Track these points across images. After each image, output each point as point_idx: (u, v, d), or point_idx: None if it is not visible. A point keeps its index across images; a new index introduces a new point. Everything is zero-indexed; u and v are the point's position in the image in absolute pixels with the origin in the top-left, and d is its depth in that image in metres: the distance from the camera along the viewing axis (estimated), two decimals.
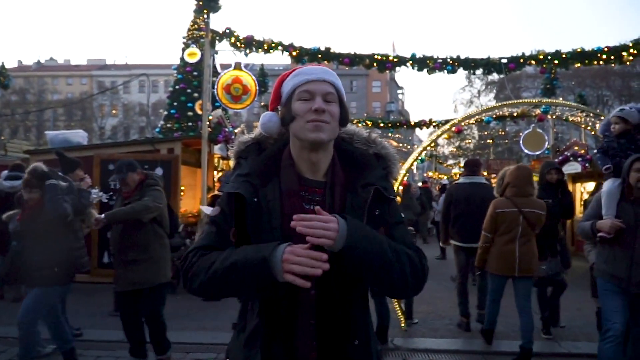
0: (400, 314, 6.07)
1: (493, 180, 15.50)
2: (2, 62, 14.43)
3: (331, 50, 8.83)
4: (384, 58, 8.87)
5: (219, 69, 14.30)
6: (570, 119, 10.70)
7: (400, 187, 7.52)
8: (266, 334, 1.53)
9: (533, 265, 5.02)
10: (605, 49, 8.40)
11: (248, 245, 1.51)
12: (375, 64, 8.90)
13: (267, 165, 1.62)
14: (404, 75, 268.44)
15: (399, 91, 73.62)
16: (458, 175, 20.24)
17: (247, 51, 8.75)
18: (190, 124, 14.94)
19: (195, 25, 15.32)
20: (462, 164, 32.82)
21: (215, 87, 8.47)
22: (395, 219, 1.66)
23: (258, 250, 1.43)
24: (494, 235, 5.12)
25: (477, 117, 7.70)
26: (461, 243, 6.27)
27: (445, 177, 25.78)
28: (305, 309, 1.52)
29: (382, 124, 17.89)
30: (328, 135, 1.57)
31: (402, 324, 6.05)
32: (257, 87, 8.58)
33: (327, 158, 1.62)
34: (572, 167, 12.84)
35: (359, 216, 1.54)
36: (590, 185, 12.62)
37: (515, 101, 8.97)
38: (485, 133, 30.71)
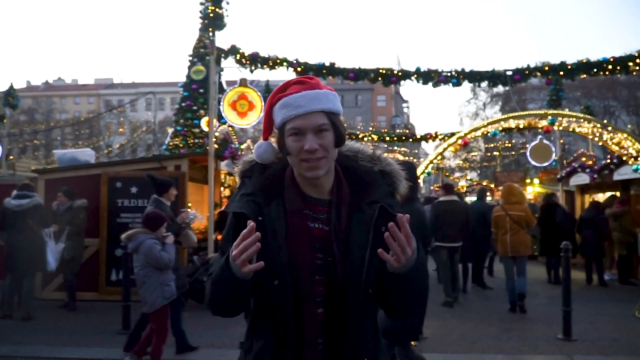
0: None
1: (498, 193, 15.49)
2: (11, 83, 14.68)
3: (336, 66, 8.88)
4: (389, 72, 8.92)
5: (224, 85, 14.41)
6: (577, 130, 10.67)
7: None
8: (273, 353, 1.52)
9: (521, 249, 7.64)
10: (611, 60, 8.39)
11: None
12: (380, 78, 8.94)
13: (271, 183, 1.61)
14: (408, 88, 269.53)
15: (404, 105, 73.71)
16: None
17: (253, 68, 8.81)
18: (196, 140, 14.99)
19: (201, 43, 15.42)
20: (467, 177, 33.97)
21: (221, 103, 8.53)
22: None
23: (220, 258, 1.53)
24: (497, 230, 7.88)
25: (483, 129, 7.70)
26: (444, 243, 8.27)
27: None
28: (313, 328, 1.51)
29: (387, 138, 17.94)
30: (324, 169, 1.55)
31: None
32: (263, 103, 8.63)
33: (329, 177, 1.60)
34: (581, 179, 12.75)
35: (365, 233, 1.53)
36: (599, 197, 12.51)
37: (521, 113, 8.97)
38: (492, 145, 30.63)
